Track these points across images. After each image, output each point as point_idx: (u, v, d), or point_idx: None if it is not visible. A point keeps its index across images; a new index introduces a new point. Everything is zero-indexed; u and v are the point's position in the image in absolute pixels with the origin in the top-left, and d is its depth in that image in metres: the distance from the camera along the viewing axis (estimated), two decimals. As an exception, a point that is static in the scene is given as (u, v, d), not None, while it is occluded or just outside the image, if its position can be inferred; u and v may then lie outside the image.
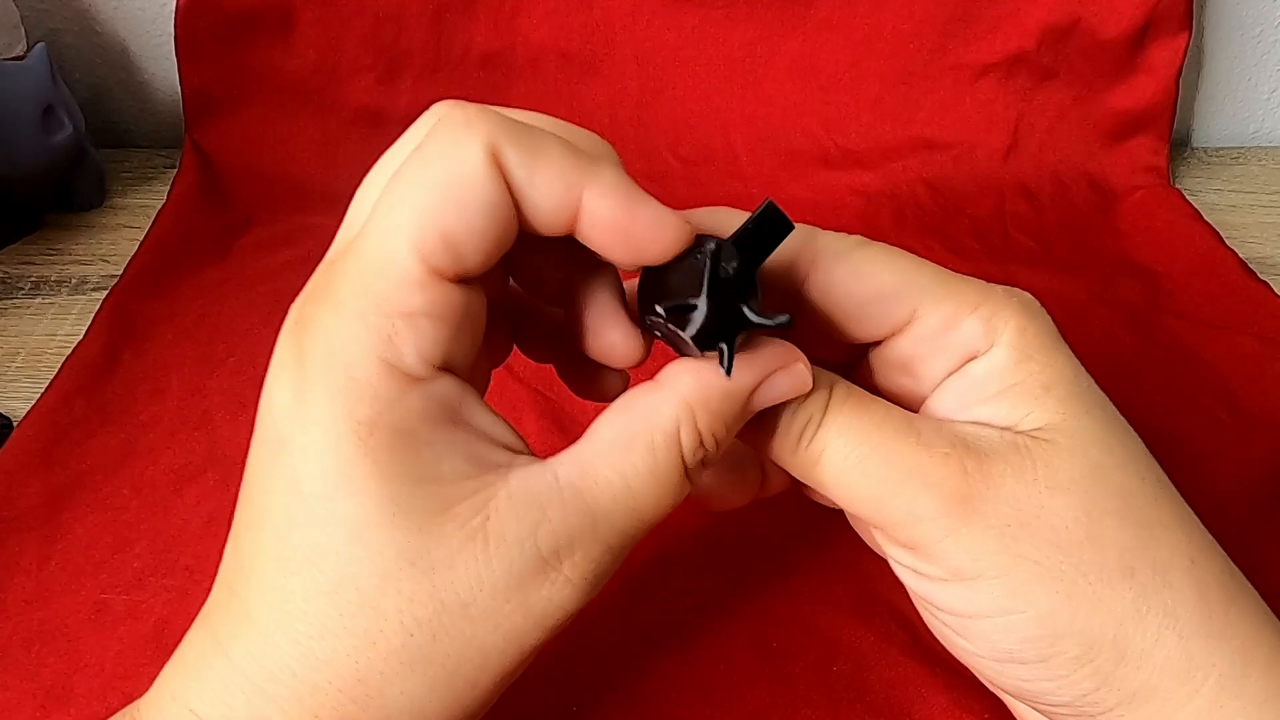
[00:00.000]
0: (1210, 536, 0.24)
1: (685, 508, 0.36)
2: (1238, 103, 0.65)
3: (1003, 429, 0.23)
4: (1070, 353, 0.24)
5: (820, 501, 0.28)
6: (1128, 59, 0.57)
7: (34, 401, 0.42)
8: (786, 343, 0.22)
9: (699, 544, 0.36)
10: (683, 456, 0.21)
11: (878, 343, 0.25)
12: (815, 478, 0.23)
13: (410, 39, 0.59)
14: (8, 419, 0.42)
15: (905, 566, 0.24)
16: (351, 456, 0.19)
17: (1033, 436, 0.23)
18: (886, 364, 0.25)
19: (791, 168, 0.59)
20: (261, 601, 0.20)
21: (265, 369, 0.45)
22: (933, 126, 0.59)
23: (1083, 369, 0.24)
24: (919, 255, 0.49)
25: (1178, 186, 0.58)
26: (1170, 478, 0.35)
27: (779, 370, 0.22)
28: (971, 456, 0.22)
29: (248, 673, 0.20)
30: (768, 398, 0.22)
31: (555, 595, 0.20)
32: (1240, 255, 0.51)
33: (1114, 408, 0.24)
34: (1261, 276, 0.49)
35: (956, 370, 0.24)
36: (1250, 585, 0.24)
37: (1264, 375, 0.43)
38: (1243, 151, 0.64)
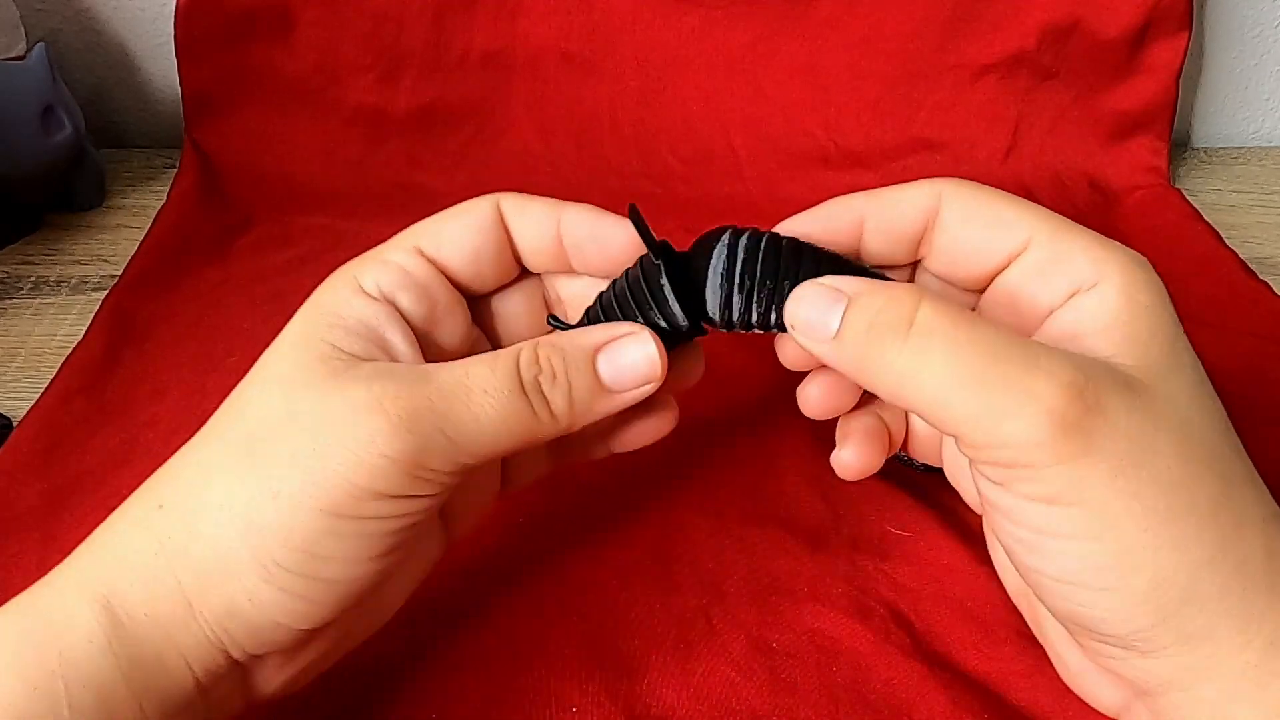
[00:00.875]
0: (1270, 496, 0.24)
1: (686, 509, 0.37)
2: (1238, 103, 0.65)
3: (1109, 362, 0.23)
4: (1174, 310, 0.24)
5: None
6: (1128, 59, 0.57)
7: (34, 401, 0.42)
8: (639, 331, 0.26)
9: (698, 544, 0.36)
10: (517, 363, 0.25)
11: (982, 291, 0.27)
12: (898, 387, 0.23)
13: (410, 39, 0.59)
14: (7, 419, 0.42)
15: (993, 482, 0.23)
16: (295, 326, 0.26)
17: (1136, 379, 0.23)
18: (994, 303, 0.26)
19: (791, 168, 0.59)
20: (185, 445, 0.25)
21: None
22: (933, 126, 0.59)
23: (1183, 329, 0.24)
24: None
25: (1178, 186, 0.58)
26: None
27: (628, 335, 0.26)
28: (1089, 383, 0.22)
29: (137, 491, 0.25)
30: (617, 354, 0.26)
31: (371, 422, 0.23)
32: (1240, 255, 0.51)
33: (1202, 370, 0.24)
34: (1261, 276, 0.49)
35: (1062, 305, 0.24)
36: None
37: (1264, 375, 0.43)
38: (1243, 151, 0.64)
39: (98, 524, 0.36)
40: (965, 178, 0.29)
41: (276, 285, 0.50)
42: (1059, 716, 0.30)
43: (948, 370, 0.22)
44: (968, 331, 0.22)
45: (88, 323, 0.47)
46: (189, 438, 0.40)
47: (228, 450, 0.24)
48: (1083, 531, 0.22)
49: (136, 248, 0.52)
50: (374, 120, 0.60)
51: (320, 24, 0.58)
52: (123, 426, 0.41)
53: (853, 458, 0.30)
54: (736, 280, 0.26)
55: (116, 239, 0.55)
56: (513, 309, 0.30)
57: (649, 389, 0.26)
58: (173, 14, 0.57)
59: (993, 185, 0.59)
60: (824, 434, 0.40)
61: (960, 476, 0.32)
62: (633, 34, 0.59)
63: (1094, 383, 0.22)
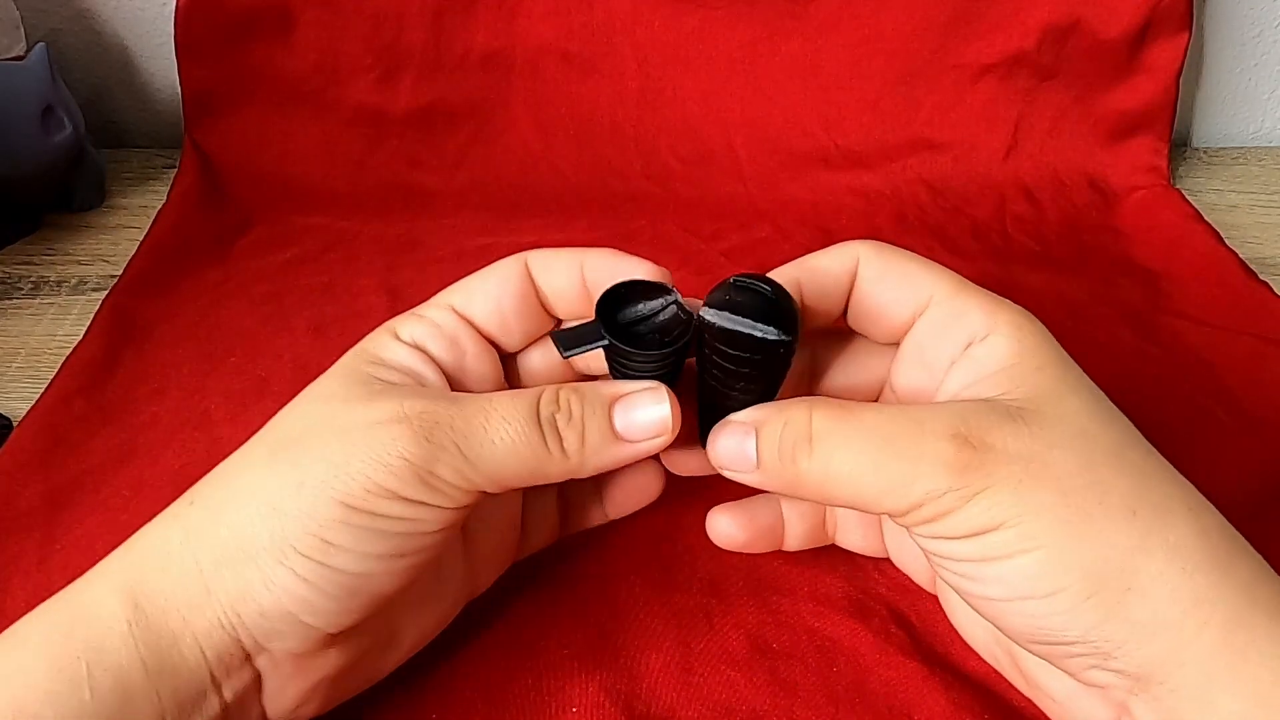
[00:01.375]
0: (1194, 488, 0.25)
1: (686, 509, 0.37)
2: (1238, 103, 0.65)
3: (997, 400, 0.25)
4: (1062, 351, 0.27)
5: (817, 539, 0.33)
6: (1128, 59, 0.57)
7: (34, 401, 0.42)
8: (657, 388, 0.27)
9: (698, 544, 0.36)
10: (539, 400, 0.26)
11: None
12: (820, 488, 0.26)
13: (410, 39, 0.59)
14: (7, 419, 0.42)
15: (926, 536, 0.26)
16: (340, 365, 0.28)
17: (1021, 407, 0.25)
18: (907, 355, 0.29)
19: (791, 168, 0.59)
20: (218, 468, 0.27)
21: (265, 368, 0.45)
22: (933, 127, 0.59)
23: (1071, 361, 0.27)
24: (920, 255, 0.49)
25: (1178, 186, 0.58)
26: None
27: (646, 391, 0.27)
28: (974, 429, 0.24)
29: (172, 505, 0.27)
30: (633, 406, 0.27)
31: (394, 429, 0.25)
32: (1240, 255, 0.51)
33: (1098, 392, 0.27)
34: (1261, 276, 0.49)
35: (961, 356, 0.27)
36: (1240, 535, 0.25)
37: (1264, 376, 0.43)
38: (1243, 151, 0.64)
39: (98, 524, 0.37)
40: (965, 178, 0.30)
41: (276, 285, 0.50)
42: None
43: (854, 463, 0.25)
44: (857, 425, 0.25)
45: (88, 323, 0.47)
46: (189, 437, 0.40)
47: (262, 451, 0.26)
48: (1010, 549, 0.24)
49: (136, 248, 0.52)
50: (374, 120, 0.60)
51: (320, 24, 0.58)
52: (123, 426, 0.41)
53: (728, 528, 0.32)
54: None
55: (116, 239, 0.55)
56: (539, 365, 0.31)
57: (660, 443, 0.27)
58: (173, 14, 0.56)
59: (993, 185, 0.60)
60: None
61: (904, 557, 0.33)
62: (633, 34, 0.59)
63: (975, 424, 0.24)
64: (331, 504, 0.24)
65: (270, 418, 0.41)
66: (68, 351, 0.45)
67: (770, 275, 0.29)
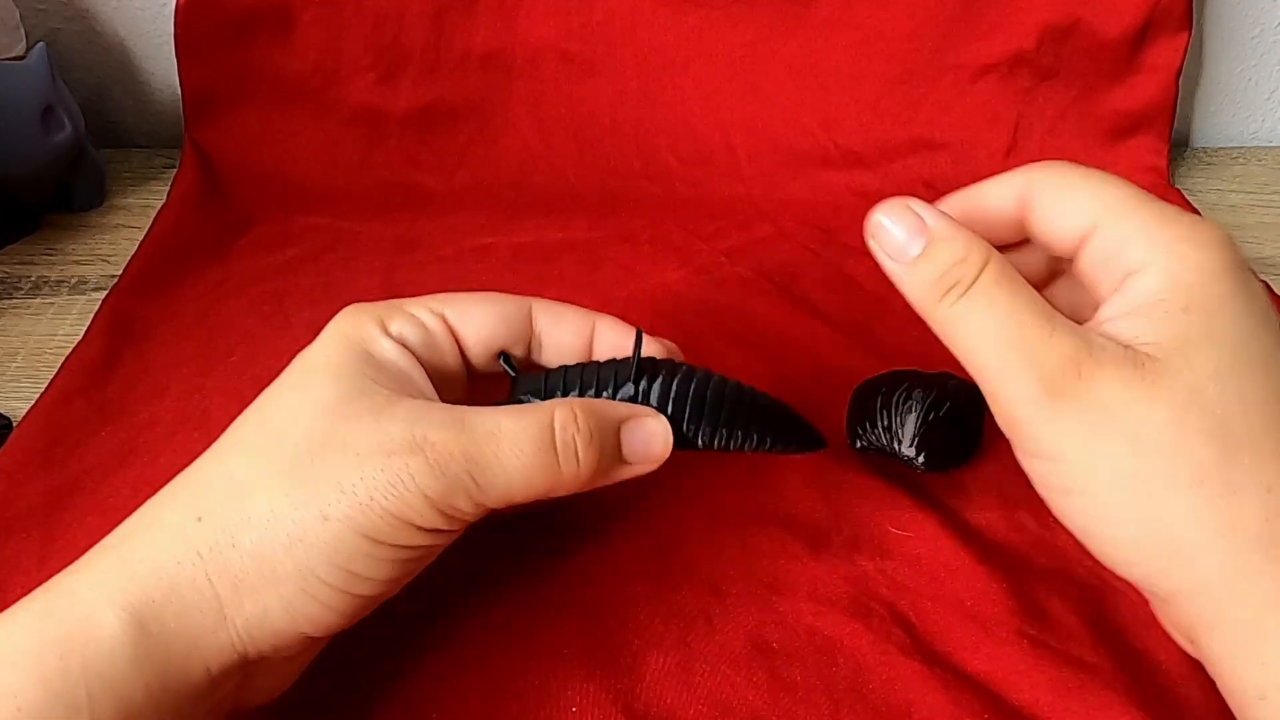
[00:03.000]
0: None
1: (686, 509, 0.37)
2: (1238, 103, 0.65)
3: (1129, 343, 0.25)
4: (1236, 278, 0.25)
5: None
6: (1128, 59, 0.57)
7: (34, 401, 0.42)
8: (659, 417, 0.29)
9: (698, 544, 0.36)
10: (550, 422, 0.27)
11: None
12: (947, 332, 0.27)
13: (410, 39, 0.59)
14: (7, 419, 0.42)
15: (1013, 437, 0.27)
16: (332, 352, 0.28)
17: (1150, 355, 0.25)
18: (1076, 278, 0.29)
19: (791, 168, 0.59)
20: (212, 447, 0.27)
21: (265, 368, 0.45)
22: (933, 126, 0.59)
23: (1242, 290, 0.25)
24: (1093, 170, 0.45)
25: (1178, 186, 0.58)
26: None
27: (650, 417, 0.29)
28: (1089, 358, 0.25)
29: (163, 492, 0.26)
30: (640, 430, 0.29)
31: (410, 463, 0.25)
32: (1240, 255, 0.51)
33: (1254, 334, 0.25)
34: (1261, 276, 0.49)
35: (1119, 289, 0.26)
36: None
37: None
38: (1243, 151, 0.64)
39: (98, 524, 0.36)
40: (965, 177, 0.30)
41: (276, 285, 0.50)
42: (1059, 716, 0.30)
43: (985, 330, 0.26)
44: (1009, 301, 0.26)
45: (88, 323, 0.47)
46: (188, 437, 0.40)
47: (270, 467, 0.26)
48: (1077, 485, 0.25)
49: (136, 248, 0.52)
50: (374, 120, 0.60)
51: (320, 24, 0.58)
52: (122, 426, 0.41)
53: None
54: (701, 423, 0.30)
55: (116, 239, 0.55)
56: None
57: (651, 468, 0.29)
58: (173, 14, 0.56)
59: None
60: (823, 433, 0.40)
61: None
62: (633, 34, 0.59)
63: (1094, 358, 0.25)
64: (356, 538, 0.25)
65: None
66: (68, 351, 0.45)
67: (940, 207, 0.29)
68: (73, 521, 0.37)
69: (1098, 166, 0.59)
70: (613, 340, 0.31)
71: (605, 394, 0.30)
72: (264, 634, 0.25)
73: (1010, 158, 0.58)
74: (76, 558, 0.35)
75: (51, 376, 0.43)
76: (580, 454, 0.27)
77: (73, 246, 0.55)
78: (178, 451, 0.40)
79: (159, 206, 0.55)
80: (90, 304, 0.49)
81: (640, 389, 0.30)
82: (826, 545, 0.36)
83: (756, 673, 0.32)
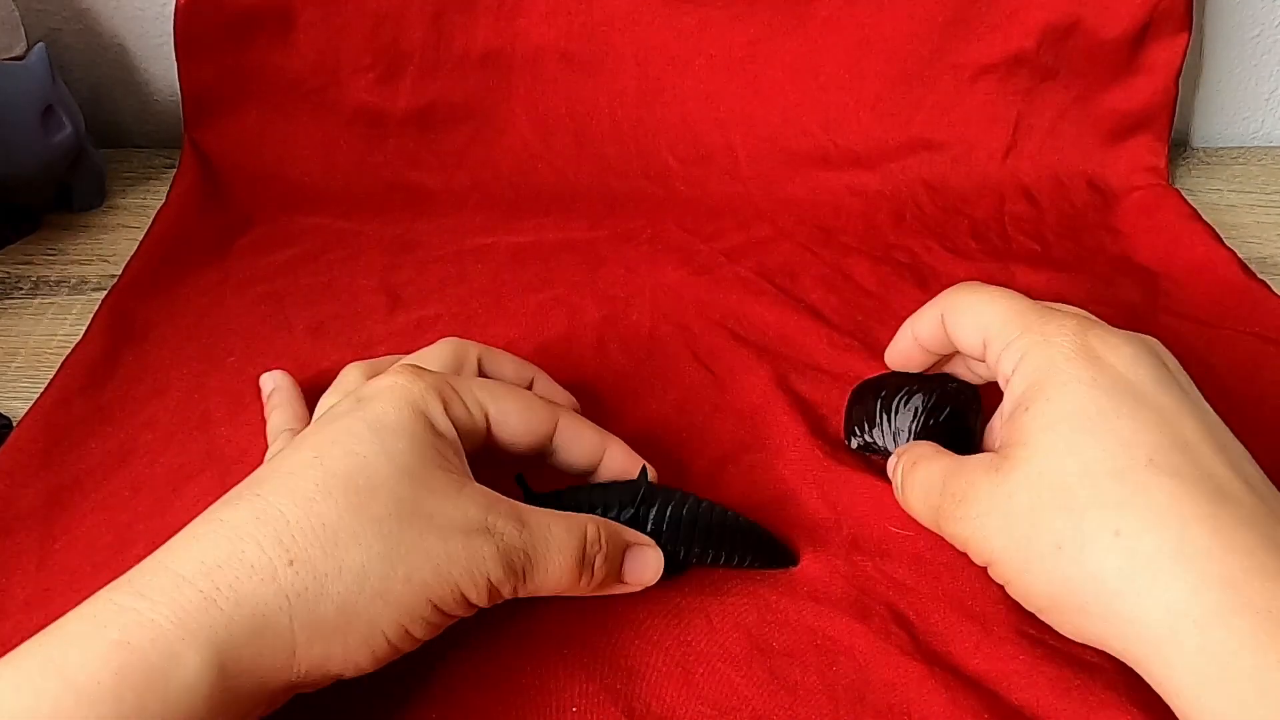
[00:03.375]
0: (1159, 516, 0.27)
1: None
2: (1238, 103, 0.65)
3: (999, 448, 0.31)
4: (1085, 364, 0.29)
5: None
6: (1128, 59, 0.57)
7: (33, 401, 0.42)
8: (656, 549, 0.33)
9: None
10: (584, 536, 0.30)
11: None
12: (911, 513, 0.34)
13: (410, 39, 0.59)
14: (7, 419, 0.42)
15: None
16: (407, 421, 0.29)
17: (1004, 456, 0.30)
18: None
19: (791, 167, 0.59)
20: (276, 483, 0.27)
21: (264, 368, 0.45)
22: (932, 126, 0.59)
23: (1090, 369, 0.29)
24: (918, 255, 0.51)
25: (1177, 186, 0.58)
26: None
27: (649, 547, 0.33)
28: (962, 484, 0.31)
29: (235, 524, 0.26)
30: (640, 556, 0.32)
31: (485, 546, 0.28)
32: (1240, 255, 0.51)
33: (1096, 405, 0.29)
34: (1261, 276, 0.49)
35: (1011, 409, 0.31)
36: (1209, 552, 0.26)
37: (1263, 375, 0.43)
38: (1243, 151, 0.64)
39: (97, 523, 0.37)
40: (965, 178, 0.31)
41: (276, 285, 0.50)
42: (1059, 715, 0.30)
43: (919, 507, 0.34)
44: (917, 477, 0.33)
45: (87, 323, 0.47)
46: (188, 438, 0.40)
47: (362, 522, 0.27)
48: (1003, 579, 0.30)
49: (136, 248, 0.52)
50: (374, 120, 0.60)
51: (320, 24, 0.58)
52: (122, 426, 0.41)
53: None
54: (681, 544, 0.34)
55: (116, 239, 0.55)
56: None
57: (637, 589, 0.32)
58: (173, 14, 0.56)
59: (992, 185, 0.60)
60: (824, 434, 0.40)
61: None
62: (633, 34, 0.59)
63: (968, 486, 0.31)
64: (425, 603, 0.27)
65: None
66: (67, 351, 0.45)
67: (898, 344, 0.38)
68: (72, 521, 0.37)
69: (1097, 166, 0.60)
70: (620, 463, 0.35)
71: (610, 515, 0.33)
72: (317, 676, 0.26)
73: (1010, 158, 0.58)
74: (76, 557, 0.35)
75: (51, 376, 0.43)
76: (596, 569, 0.30)
77: (73, 246, 0.55)
78: (177, 451, 0.40)
79: (159, 206, 0.55)
80: (90, 304, 0.49)
81: (639, 513, 0.33)
82: (826, 545, 0.36)
83: (757, 673, 0.32)
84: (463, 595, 0.28)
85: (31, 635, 0.32)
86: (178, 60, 0.57)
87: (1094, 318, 0.32)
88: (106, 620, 0.24)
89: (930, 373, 0.38)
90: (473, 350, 0.36)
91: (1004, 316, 0.32)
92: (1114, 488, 0.27)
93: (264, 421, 0.41)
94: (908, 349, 0.37)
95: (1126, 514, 0.27)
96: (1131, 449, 0.28)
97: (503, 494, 0.30)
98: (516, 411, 0.33)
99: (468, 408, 0.31)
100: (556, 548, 0.29)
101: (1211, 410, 0.30)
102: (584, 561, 0.30)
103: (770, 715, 0.30)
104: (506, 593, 0.29)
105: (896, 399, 0.37)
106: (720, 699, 0.31)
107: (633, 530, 0.33)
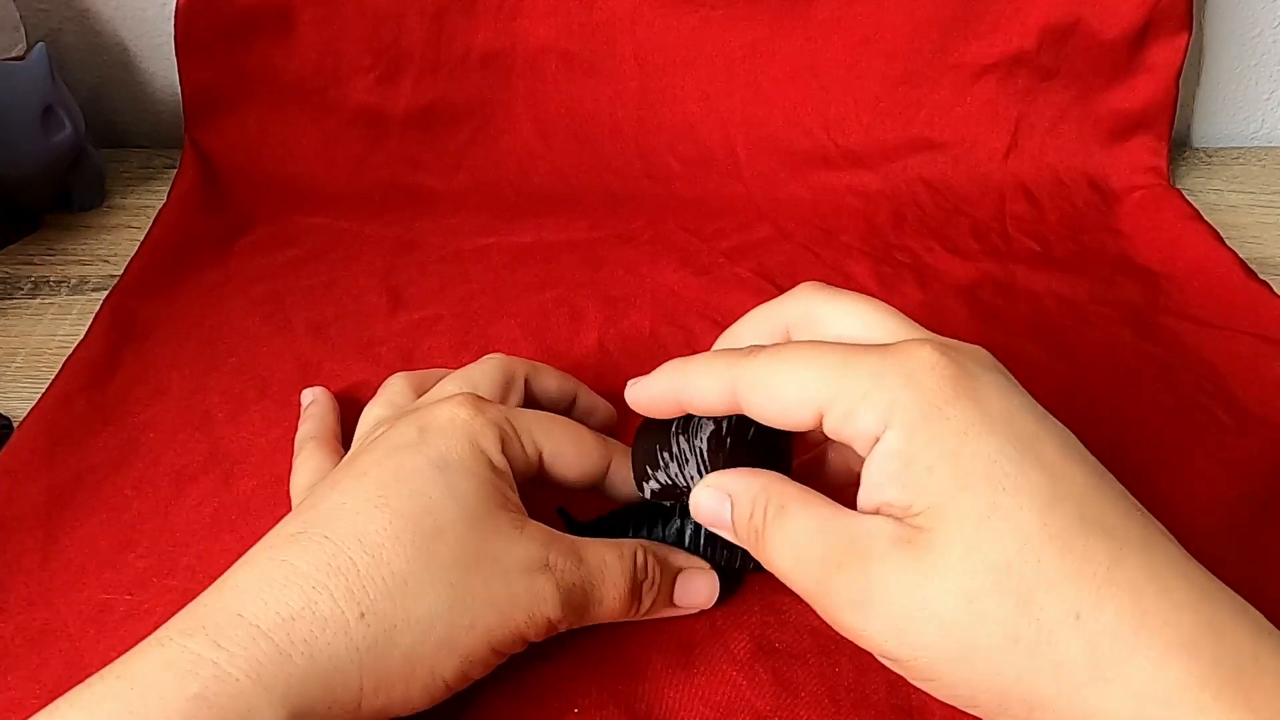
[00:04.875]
0: (1112, 584, 0.23)
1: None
2: (1238, 103, 0.65)
3: (898, 518, 0.25)
4: (963, 403, 0.25)
5: None
6: (1128, 59, 0.57)
7: (34, 402, 0.42)
8: (710, 571, 0.33)
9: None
10: (634, 564, 0.31)
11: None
12: (775, 569, 0.27)
13: (410, 39, 0.59)
14: (7, 419, 0.42)
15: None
16: (469, 460, 0.29)
17: (916, 527, 0.24)
18: (835, 448, 0.31)
19: (791, 168, 0.59)
20: (344, 526, 0.27)
21: (265, 368, 0.45)
22: (933, 126, 0.59)
23: (973, 412, 0.24)
24: (919, 255, 0.50)
25: (1178, 186, 0.58)
26: (1169, 478, 0.35)
27: (701, 571, 0.33)
28: (868, 561, 0.25)
29: (306, 573, 0.26)
30: (691, 581, 0.33)
31: (546, 586, 0.28)
32: (1240, 255, 0.51)
33: (1008, 457, 0.24)
34: (1261, 276, 0.49)
35: (869, 456, 0.25)
36: (1164, 614, 0.23)
37: (1264, 375, 0.43)
38: (1243, 151, 0.64)
39: (99, 523, 0.36)
40: (965, 177, 0.29)
41: (276, 285, 0.50)
42: (1060, 716, 0.30)
43: (795, 571, 0.26)
44: (794, 525, 0.26)
45: (88, 323, 0.47)
46: (190, 438, 0.40)
47: (429, 571, 0.27)
48: (922, 677, 0.25)
49: (137, 248, 0.52)
50: (374, 120, 0.60)
51: (320, 24, 0.58)
52: (123, 426, 0.41)
53: None
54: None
55: (116, 239, 0.55)
56: None
57: (696, 611, 0.33)
58: (173, 14, 0.56)
59: (993, 185, 0.60)
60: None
61: None
62: (633, 34, 0.59)
63: (864, 560, 0.25)
64: (486, 648, 0.28)
65: (271, 418, 0.41)
66: (68, 351, 0.45)
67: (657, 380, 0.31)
68: (74, 521, 0.37)
69: (1097, 166, 0.61)
70: (621, 475, 0.34)
71: (655, 534, 0.33)
72: (375, 719, 0.27)
73: (1011, 158, 0.59)
74: (78, 557, 0.35)
75: (51, 376, 0.43)
76: (644, 596, 0.31)
77: (73, 246, 0.55)
78: (178, 451, 0.40)
79: (159, 206, 0.55)
80: (90, 304, 0.49)
81: (682, 525, 0.33)
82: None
83: (759, 673, 0.32)
84: (524, 637, 0.28)
85: (33, 635, 0.33)
86: (178, 60, 0.57)
87: (920, 337, 0.27)
88: (185, 671, 0.24)
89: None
90: (520, 369, 0.36)
91: (835, 373, 0.26)
92: (1058, 560, 0.23)
93: (266, 422, 0.41)
94: (660, 401, 0.30)
95: (1081, 589, 0.23)
96: (1058, 506, 0.24)
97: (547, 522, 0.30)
98: (571, 451, 0.33)
99: (523, 446, 0.31)
100: (611, 581, 0.30)
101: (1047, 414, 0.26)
102: (634, 592, 0.30)
103: (772, 715, 0.30)
104: (563, 628, 0.29)
105: (692, 422, 0.30)
106: (723, 700, 0.31)
107: (685, 554, 0.33)
